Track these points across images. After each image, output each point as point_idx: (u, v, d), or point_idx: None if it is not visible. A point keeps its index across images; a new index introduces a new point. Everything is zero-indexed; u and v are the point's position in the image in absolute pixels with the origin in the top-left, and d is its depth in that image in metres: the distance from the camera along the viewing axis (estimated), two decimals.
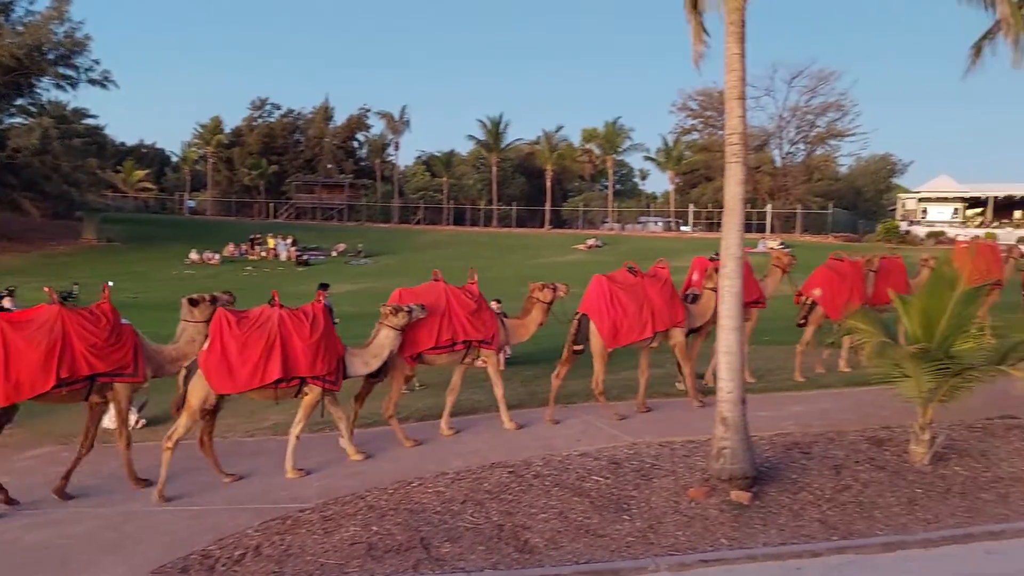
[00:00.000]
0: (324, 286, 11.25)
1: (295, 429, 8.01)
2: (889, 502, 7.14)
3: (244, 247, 46.12)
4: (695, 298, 11.14)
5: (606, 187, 75.46)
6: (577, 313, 9.91)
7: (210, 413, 7.79)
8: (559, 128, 73.99)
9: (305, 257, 43.63)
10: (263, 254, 45.24)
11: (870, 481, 7.56)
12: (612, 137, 71.51)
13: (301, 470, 7.98)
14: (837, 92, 65.29)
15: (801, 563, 6.13)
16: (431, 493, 7.26)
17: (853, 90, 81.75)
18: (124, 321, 7.67)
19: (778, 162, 68.62)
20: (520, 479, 7.54)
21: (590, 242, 51.70)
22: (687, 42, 7.37)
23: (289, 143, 76.15)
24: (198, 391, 7.49)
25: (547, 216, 68.96)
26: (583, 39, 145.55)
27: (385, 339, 8.47)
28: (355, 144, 79.37)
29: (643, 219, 73.02)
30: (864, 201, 76.77)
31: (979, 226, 55.10)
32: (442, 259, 42.33)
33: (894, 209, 63.85)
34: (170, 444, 7.42)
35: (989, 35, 8.30)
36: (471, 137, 73.94)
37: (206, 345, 7.56)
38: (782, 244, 46.16)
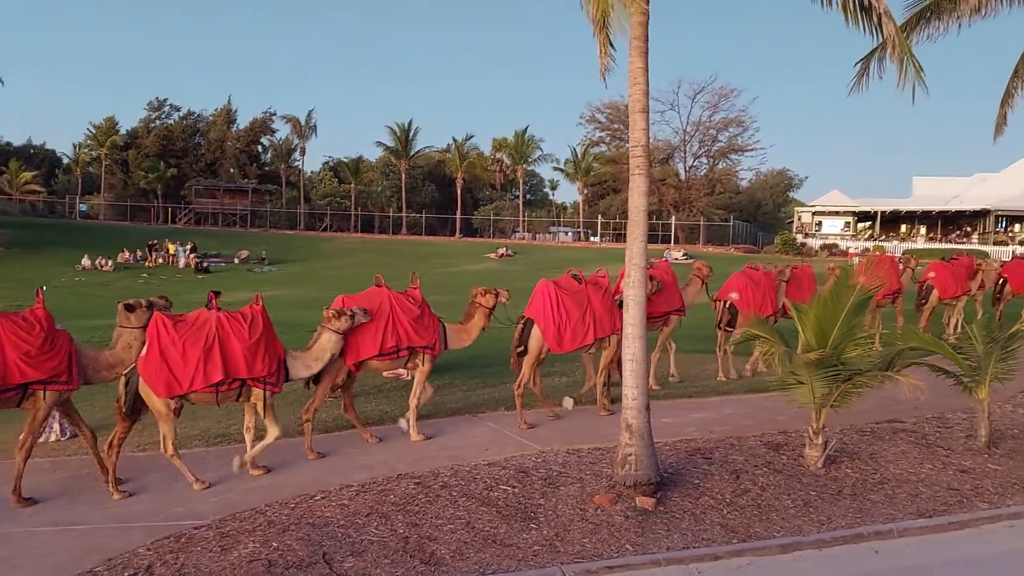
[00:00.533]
0: (216, 293, 11.12)
1: (272, 433, 8.00)
2: (785, 504, 7.39)
3: (140, 253, 44.20)
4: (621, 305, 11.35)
5: (517, 197, 76.10)
6: (522, 317, 10.01)
7: (126, 423, 7.60)
8: (469, 137, 74.37)
9: (205, 264, 42.17)
10: (160, 260, 43.48)
11: (768, 484, 7.81)
12: (522, 147, 72.23)
13: (262, 468, 8.06)
14: (738, 108, 68.19)
15: (702, 566, 6.25)
16: (335, 506, 7.07)
17: (752, 107, 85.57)
18: (59, 327, 7.41)
19: (682, 175, 70.80)
20: (427, 490, 7.44)
21: (501, 251, 51.97)
22: (595, 55, 7.46)
23: (189, 146, 73.66)
24: (154, 397, 7.42)
25: (458, 224, 68.99)
26: (494, 48, 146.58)
27: (327, 342, 8.42)
28: (259, 148, 77.52)
29: (553, 229, 73.95)
30: (763, 214, 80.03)
31: (868, 239, 58.25)
32: (350, 267, 41.74)
33: (791, 222, 66.86)
34: (170, 452, 7.51)
35: (874, 55, 8.74)
36: (380, 143, 73.48)
37: (144, 350, 7.45)
38: (685, 255, 47.60)
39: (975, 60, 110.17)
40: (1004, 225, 57.09)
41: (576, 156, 71.34)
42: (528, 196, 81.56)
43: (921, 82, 7.33)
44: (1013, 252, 38.06)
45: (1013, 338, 9.31)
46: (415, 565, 6.01)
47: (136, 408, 7.60)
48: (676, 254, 48.10)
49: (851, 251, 52.97)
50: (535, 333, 9.82)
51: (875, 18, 7.00)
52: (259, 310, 7.96)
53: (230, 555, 6.10)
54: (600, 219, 66.46)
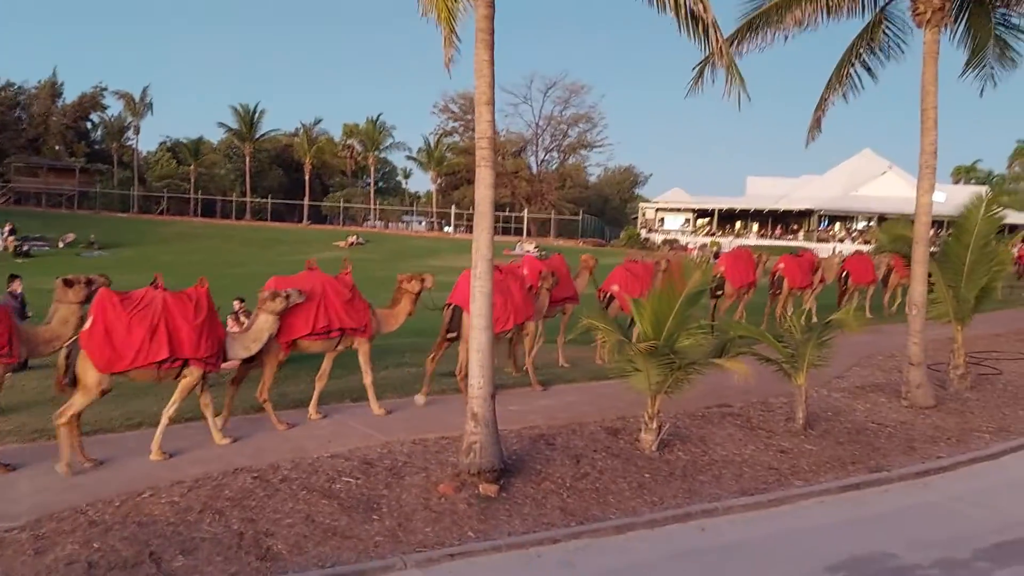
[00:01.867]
0: (14, 277, 10.65)
1: (168, 411, 8.00)
2: (622, 487, 7.70)
3: None
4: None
5: (368, 184, 74.81)
6: (449, 304, 10.44)
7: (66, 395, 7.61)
8: (318, 121, 72.28)
9: (26, 247, 38.59)
10: None
11: (606, 468, 8.11)
12: (374, 134, 71.02)
13: (165, 453, 7.95)
14: (587, 105, 70.02)
15: (541, 550, 6.42)
16: (164, 504, 6.69)
17: (601, 104, 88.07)
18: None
19: (535, 168, 72.03)
20: (266, 484, 7.19)
21: (352, 239, 50.91)
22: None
23: (8, 120, 67.02)
24: (91, 371, 7.41)
25: (306, 211, 67.01)
26: (347, 33, 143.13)
27: (264, 324, 8.69)
28: (88, 125, 71.86)
29: (407, 218, 73.32)
30: (611, 209, 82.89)
31: (707, 234, 61.65)
32: (190, 253, 39.59)
33: (636, 217, 69.63)
34: (63, 420, 7.32)
35: (708, 60, 9.22)
36: (222, 124, 69.87)
37: (88, 325, 7.47)
38: (536, 247, 48.54)
39: (804, 68, 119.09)
40: (826, 224, 62.02)
41: (429, 146, 70.98)
42: (380, 184, 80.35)
43: (744, 91, 7.82)
44: (833, 248, 41.52)
45: (828, 328, 10.13)
46: (250, 561, 5.80)
47: (76, 381, 7.54)
48: (528, 247, 48.95)
49: (691, 246, 55.90)
50: (465, 320, 10.08)
51: (702, 27, 7.37)
52: (203, 292, 8.12)
53: (46, 558, 5.66)
54: (454, 209, 66.51)
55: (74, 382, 7.52)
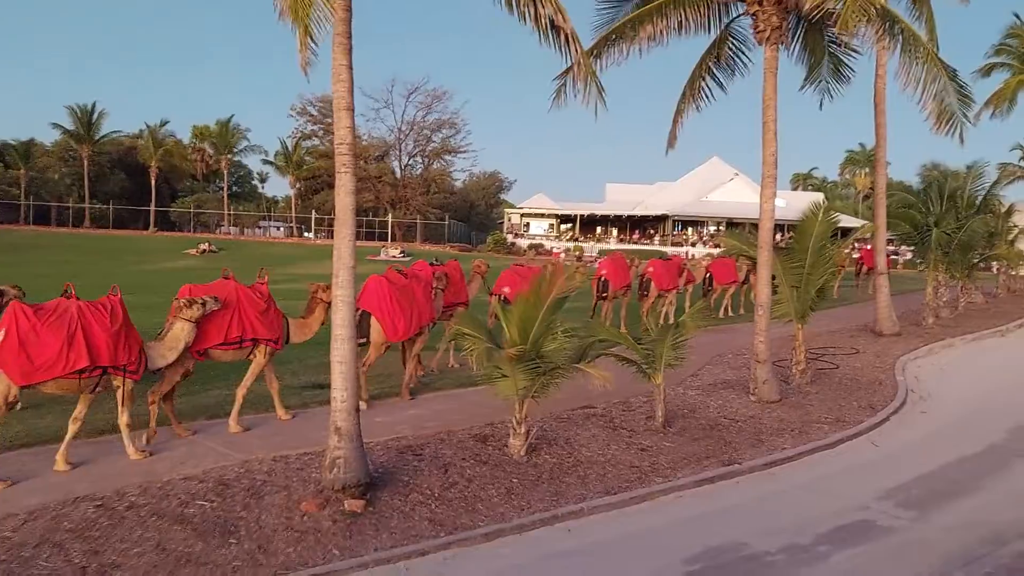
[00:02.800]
0: None
1: (122, 419, 8.11)
2: (490, 494, 7.71)
3: None
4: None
5: (221, 189, 71.73)
6: (358, 310, 9.94)
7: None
8: (164, 122, 68.44)
9: None
10: None
11: (474, 476, 8.10)
12: (226, 136, 68.23)
13: (144, 451, 8.20)
14: (450, 111, 70.23)
15: (410, 563, 6.32)
16: None
17: (464, 110, 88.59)
18: None
19: (398, 173, 71.42)
20: (111, 512, 6.69)
21: (203, 246, 48.67)
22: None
23: None
24: (3, 383, 7.33)
25: (152, 217, 63.45)
26: (196, 31, 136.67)
27: (180, 332, 8.65)
28: None
29: (263, 224, 70.87)
30: (477, 214, 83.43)
31: (570, 239, 63.18)
32: (22, 264, 36.47)
33: (502, 222, 70.40)
34: None
35: (569, 72, 9.42)
36: (56, 125, 64.94)
37: (2, 338, 7.31)
38: (402, 252, 48.12)
39: (661, 79, 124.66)
40: (679, 228, 65.03)
41: (287, 149, 68.95)
42: (235, 188, 77.26)
43: (602, 101, 8.05)
44: (687, 252, 43.57)
45: (681, 328, 10.57)
46: None
47: None
48: (393, 251, 48.45)
49: (555, 251, 57.13)
50: (374, 325, 10.67)
51: (563, 38, 7.52)
52: (117, 300, 8.09)
53: None
54: (314, 214, 64.89)
55: None
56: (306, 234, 65.56)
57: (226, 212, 67.84)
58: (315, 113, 69.17)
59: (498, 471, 8.30)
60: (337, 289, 7.37)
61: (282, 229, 68.84)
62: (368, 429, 7.85)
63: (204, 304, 8.75)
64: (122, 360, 7.91)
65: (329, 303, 10.23)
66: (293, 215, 69.13)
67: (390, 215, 64.06)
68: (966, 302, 24.27)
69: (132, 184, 68.18)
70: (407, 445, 8.93)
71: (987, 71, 34.41)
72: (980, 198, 22.81)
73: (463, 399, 11.47)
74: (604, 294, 18.63)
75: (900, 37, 11.51)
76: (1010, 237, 28.50)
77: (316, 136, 71.13)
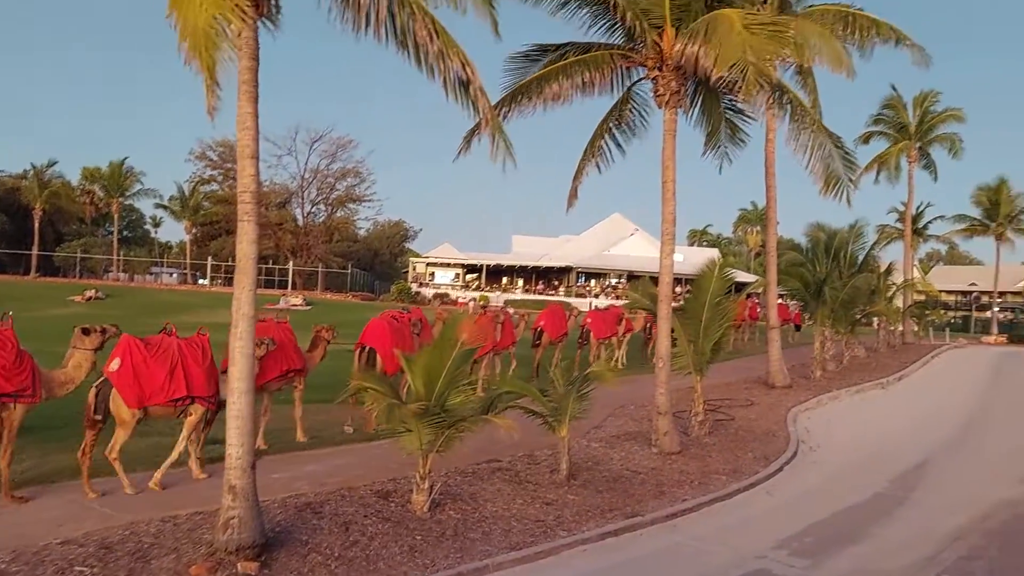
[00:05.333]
0: None
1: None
2: (393, 552, 7.49)
3: None
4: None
5: (111, 233, 68.70)
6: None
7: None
8: (52, 163, 64.78)
9: None
10: None
11: (376, 533, 7.86)
12: (118, 179, 65.40)
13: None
14: (355, 160, 69.89)
15: None
16: None
17: (370, 159, 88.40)
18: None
19: (300, 221, 70.22)
20: None
21: (89, 293, 46.17)
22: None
23: None
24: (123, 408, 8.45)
25: (35, 261, 59.98)
26: (89, 71, 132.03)
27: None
28: None
29: (155, 270, 68.21)
30: (381, 263, 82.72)
31: (476, 289, 63.32)
32: None
33: (407, 272, 70.04)
34: (115, 455, 8.51)
35: (478, 128, 9.57)
36: None
37: (117, 366, 8.41)
38: (304, 301, 47.07)
39: (568, 134, 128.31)
40: (583, 280, 66.31)
41: (184, 194, 66.86)
42: (126, 233, 74.17)
43: (510, 156, 8.19)
44: (591, 303, 44.40)
45: (587, 380, 10.69)
46: None
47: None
48: (294, 300, 47.28)
49: (460, 300, 57.07)
50: (379, 361, 11.26)
51: (472, 93, 7.64)
52: (206, 339, 9.22)
53: None
54: (211, 261, 62.84)
55: (97, 420, 8.44)
56: (200, 281, 63.34)
57: (115, 257, 64.83)
58: (215, 158, 67.66)
59: (401, 528, 8.09)
60: (235, 340, 7.11)
61: (175, 275, 66.29)
62: (265, 486, 7.53)
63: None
64: (208, 391, 9.02)
65: (330, 341, 11.31)
66: (187, 261, 66.79)
67: (291, 263, 62.74)
68: (850, 356, 25.56)
69: (13, 227, 64.27)
70: (306, 503, 8.60)
71: (866, 139, 37.08)
72: (861, 257, 24.28)
73: (365, 453, 11.18)
74: (538, 342, 19.40)
75: (789, 106, 12.25)
76: (889, 294, 30.36)
77: (215, 181, 69.43)
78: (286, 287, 58.83)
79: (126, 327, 9.21)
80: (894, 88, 36.65)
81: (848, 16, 17.62)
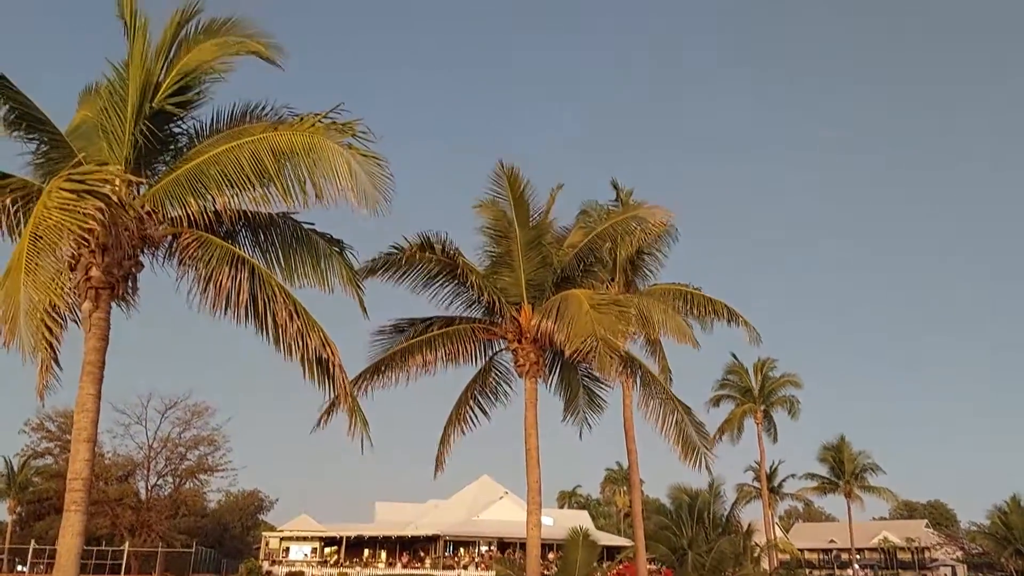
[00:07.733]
0: None
1: None
2: None
3: None
4: None
5: None
6: None
7: None
8: None
9: None
10: None
11: None
12: None
13: None
14: (211, 427, 66.57)
15: None
16: None
17: (226, 426, 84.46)
18: None
19: (143, 494, 64.63)
20: None
21: None
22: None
23: None
24: None
25: None
26: None
27: None
28: None
29: None
30: (231, 538, 76.32)
31: (335, 565, 58.82)
32: None
33: (259, 547, 64.65)
34: None
35: (335, 403, 9.44)
36: None
37: None
38: None
39: (433, 397, 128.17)
40: (451, 549, 62.94)
41: (12, 469, 60.82)
42: None
43: (367, 435, 8.03)
44: (458, 575, 41.86)
45: None
46: None
47: None
48: None
49: None
50: None
51: (331, 371, 7.60)
52: None
53: None
54: (33, 544, 55.82)
55: None
56: (19, 567, 55.75)
57: None
58: (54, 429, 62.77)
59: None
60: None
61: None
62: None
63: None
64: None
65: None
66: (6, 545, 59.12)
67: (127, 543, 56.69)
68: None
69: None
70: None
71: (716, 401, 39.81)
72: (724, 517, 24.66)
73: None
74: None
75: (639, 375, 12.95)
76: (755, 555, 30.61)
77: (51, 454, 63.84)
78: (119, 572, 52.62)
79: None
80: (734, 356, 40.03)
81: (687, 294, 19.44)
